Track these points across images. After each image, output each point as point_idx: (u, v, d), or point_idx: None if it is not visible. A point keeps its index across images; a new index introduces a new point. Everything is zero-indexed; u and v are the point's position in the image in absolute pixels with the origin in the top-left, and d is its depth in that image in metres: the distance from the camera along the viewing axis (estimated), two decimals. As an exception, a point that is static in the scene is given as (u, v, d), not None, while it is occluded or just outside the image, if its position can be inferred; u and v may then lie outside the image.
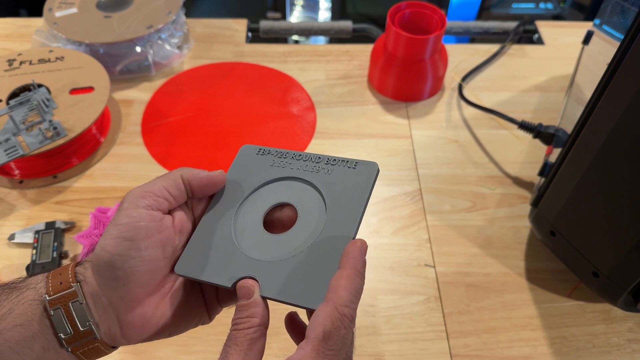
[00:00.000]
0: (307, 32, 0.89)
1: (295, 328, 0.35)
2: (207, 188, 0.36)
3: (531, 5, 1.32)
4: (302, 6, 1.46)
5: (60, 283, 0.32)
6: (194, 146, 0.69)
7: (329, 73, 0.79)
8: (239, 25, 0.86)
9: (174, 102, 0.74)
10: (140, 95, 0.75)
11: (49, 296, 0.31)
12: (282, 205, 0.37)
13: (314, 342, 0.28)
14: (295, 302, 0.32)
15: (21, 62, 0.69)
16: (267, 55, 0.81)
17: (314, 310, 0.30)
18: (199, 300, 0.36)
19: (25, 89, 0.66)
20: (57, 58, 0.70)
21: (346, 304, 0.29)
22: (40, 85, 0.66)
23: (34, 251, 0.57)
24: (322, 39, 1.31)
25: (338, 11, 1.41)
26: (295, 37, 1.23)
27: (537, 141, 0.63)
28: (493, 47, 0.83)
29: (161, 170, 0.66)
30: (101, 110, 0.64)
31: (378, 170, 0.37)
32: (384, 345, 0.53)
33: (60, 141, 0.60)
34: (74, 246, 0.59)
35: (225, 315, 0.34)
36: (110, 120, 0.71)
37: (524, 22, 0.87)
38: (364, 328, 0.54)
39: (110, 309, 0.32)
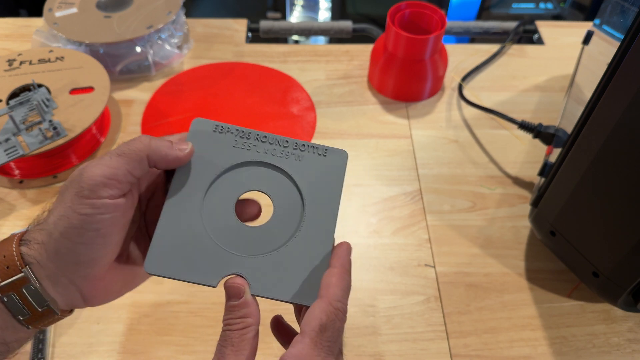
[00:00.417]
0: (307, 32, 0.89)
1: (282, 330, 0.36)
2: (171, 165, 0.34)
3: (531, 5, 1.32)
4: (302, 6, 1.46)
5: (7, 267, 0.31)
6: (194, 146, 0.69)
7: (329, 73, 0.79)
8: (239, 25, 0.86)
9: (174, 102, 0.74)
10: (140, 95, 0.75)
11: None
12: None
13: (311, 335, 0.29)
14: (291, 300, 0.32)
15: (21, 62, 0.69)
16: (267, 55, 0.81)
17: (308, 306, 0.31)
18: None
19: (25, 89, 0.66)
20: (57, 58, 0.70)
21: (339, 299, 0.31)
22: (40, 85, 0.66)
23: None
24: (322, 39, 1.31)
25: (338, 11, 1.41)
26: (295, 37, 1.23)
27: (537, 141, 0.63)
28: (493, 47, 0.83)
29: (161, 170, 0.66)
30: (101, 110, 0.64)
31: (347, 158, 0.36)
32: (384, 345, 0.53)
33: (60, 141, 0.60)
34: (74, 246, 0.59)
35: (225, 315, 0.34)
36: (110, 120, 0.71)
37: (524, 22, 0.87)
38: (364, 328, 0.54)
39: (72, 287, 0.32)
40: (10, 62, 0.69)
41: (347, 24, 0.89)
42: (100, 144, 0.69)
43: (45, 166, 0.65)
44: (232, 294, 0.31)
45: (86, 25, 0.75)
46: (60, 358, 0.51)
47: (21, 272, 0.31)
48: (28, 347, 0.51)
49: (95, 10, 0.77)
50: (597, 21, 0.58)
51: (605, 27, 0.55)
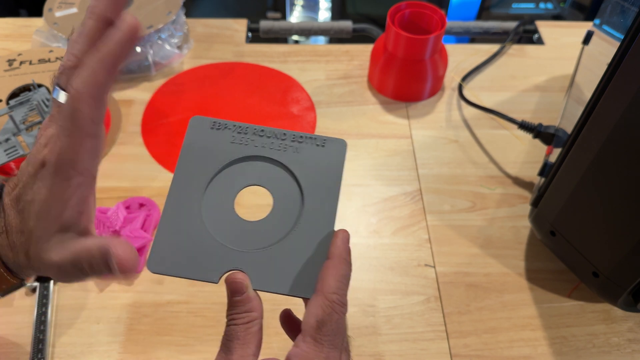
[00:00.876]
0: (307, 32, 0.89)
1: (291, 324, 0.36)
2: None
3: (531, 5, 1.32)
4: (302, 6, 1.46)
5: None
6: (194, 146, 0.69)
7: (329, 73, 0.79)
8: (239, 25, 0.86)
9: (174, 102, 0.74)
10: (140, 95, 0.75)
11: None
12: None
13: (310, 332, 0.30)
14: (291, 293, 0.32)
15: (21, 62, 0.69)
16: (267, 55, 0.81)
17: (309, 298, 0.31)
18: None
19: (25, 89, 0.66)
20: (57, 58, 0.70)
21: (334, 291, 0.31)
22: (40, 85, 0.66)
23: (34, 251, 0.57)
24: (322, 39, 1.31)
25: (338, 11, 1.41)
26: (295, 37, 1.23)
27: (537, 141, 0.63)
28: (493, 47, 0.83)
29: (161, 170, 0.66)
30: (101, 110, 0.64)
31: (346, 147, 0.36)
32: (384, 345, 0.53)
33: (60, 141, 0.60)
34: (74, 246, 0.58)
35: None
36: (110, 120, 0.71)
37: (524, 22, 0.87)
38: (364, 328, 0.54)
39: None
40: (10, 62, 0.69)
41: (347, 24, 0.89)
42: (100, 144, 0.69)
43: (45, 166, 0.65)
44: (234, 290, 0.31)
45: (86, 25, 0.74)
46: (60, 358, 0.51)
47: None
48: (28, 347, 0.51)
49: (95, 10, 0.77)
50: (597, 21, 0.58)
51: (605, 27, 0.55)
